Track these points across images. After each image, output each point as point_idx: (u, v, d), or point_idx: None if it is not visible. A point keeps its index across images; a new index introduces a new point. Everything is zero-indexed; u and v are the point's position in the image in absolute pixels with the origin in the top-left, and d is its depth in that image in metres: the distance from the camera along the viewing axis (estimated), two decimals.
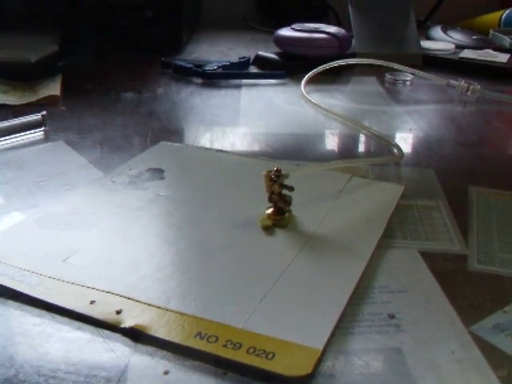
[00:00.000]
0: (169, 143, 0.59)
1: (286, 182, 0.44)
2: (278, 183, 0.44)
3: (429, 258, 0.42)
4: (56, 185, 0.50)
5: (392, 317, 0.35)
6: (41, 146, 0.58)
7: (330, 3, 1.14)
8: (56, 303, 0.35)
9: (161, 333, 0.33)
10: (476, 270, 0.41)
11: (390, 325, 0.35)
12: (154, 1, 0.90)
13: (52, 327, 0.33)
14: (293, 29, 0.87)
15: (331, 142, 0.63)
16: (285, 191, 0.44)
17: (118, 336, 0.33)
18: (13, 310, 0.35)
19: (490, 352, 0.33)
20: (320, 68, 0.77)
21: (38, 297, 0.35)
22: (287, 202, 0.44)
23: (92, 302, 0.35)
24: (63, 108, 0.68)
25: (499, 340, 0.34)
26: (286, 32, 0.87)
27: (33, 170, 0.52)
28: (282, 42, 0.87)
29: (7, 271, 0.37)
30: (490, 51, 0.92)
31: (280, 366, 0.30)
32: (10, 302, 0.35)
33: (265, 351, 0.31)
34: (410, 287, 0.38)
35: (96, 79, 0.79)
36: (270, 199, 0.44)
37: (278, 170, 0.43)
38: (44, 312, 0.35)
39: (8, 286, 0.36)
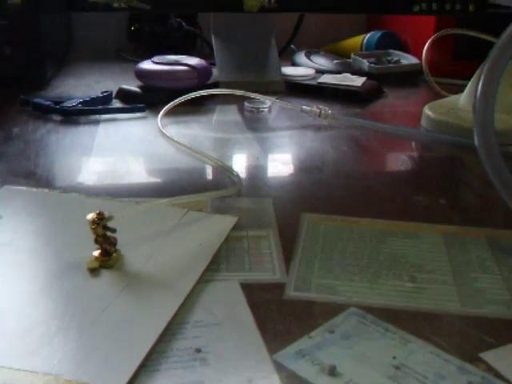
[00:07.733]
0: (14, 187, 0.58)
1: (112, 223, 0.45)
2: (101, 225, 0.44)
3: (248, 289, 0.43)
4: None
5: (199, 351, 0.37)
6: None
7: (204, 32, 1.17)
8: None
9: None
10: (290, 298, 0.43)
11: (196, 359, 0.36)
12: (12, 36, 0.89)
13: None
14: (153, 62, 0.88)
15: (177, 176, 0.64)
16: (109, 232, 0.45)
17: None
18: None
19: (289, 378, 0.35)
20: (177, 100, 0.79)
21: None
22: (112, 243, 0.45)
23: None
24: None
25: (298, 366, 0.36)
26: (145, 65, 0.88)
27: None
28: (142, 75, 0.88)
29: None
30: (348, 75, 0.96)
31: None
32: None
33: None
34: (223, 320, 0.40)
35: None
36: (96, 241, 0.45)
37: (99, 214, 0.44)
38: None
39: None
